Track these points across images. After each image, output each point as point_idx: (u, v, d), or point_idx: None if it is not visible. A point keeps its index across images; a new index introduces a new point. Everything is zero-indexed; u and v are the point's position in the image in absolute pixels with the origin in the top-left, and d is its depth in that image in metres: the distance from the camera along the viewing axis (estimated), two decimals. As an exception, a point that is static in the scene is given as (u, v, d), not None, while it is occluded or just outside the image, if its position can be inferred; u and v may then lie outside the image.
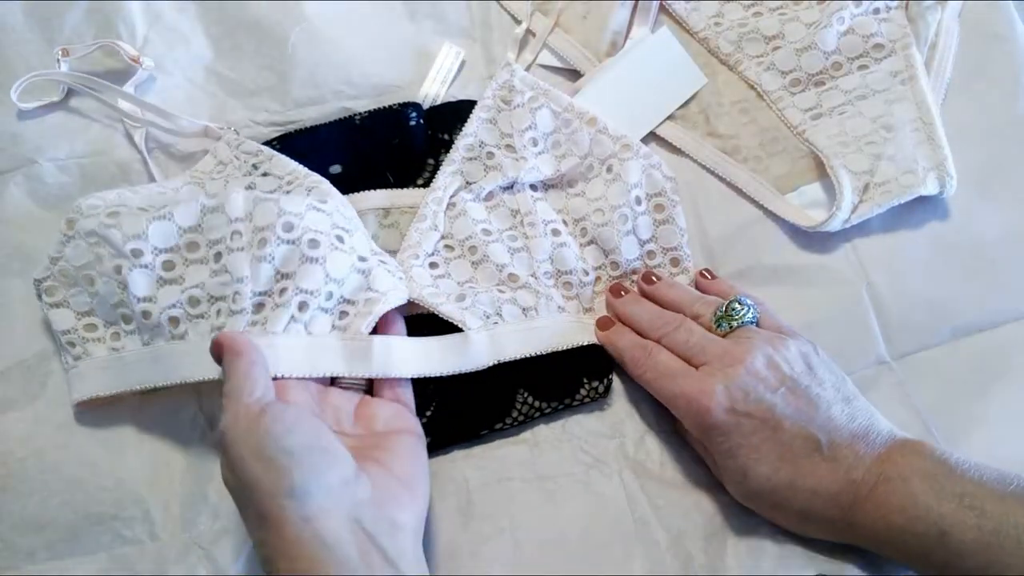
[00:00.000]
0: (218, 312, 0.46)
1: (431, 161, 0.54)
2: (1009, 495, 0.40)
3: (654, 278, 0.51)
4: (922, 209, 0.53)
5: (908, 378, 0.50)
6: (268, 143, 0.54)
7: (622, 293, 0.51)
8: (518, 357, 0.48)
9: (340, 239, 0.47)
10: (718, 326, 0.47)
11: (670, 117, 0.57)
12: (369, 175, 0.53)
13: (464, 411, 0.49)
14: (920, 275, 0.52)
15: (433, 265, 0.51)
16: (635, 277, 0.52)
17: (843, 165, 0.52)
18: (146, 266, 0.47)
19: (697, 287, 0.52)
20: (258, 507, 0.38)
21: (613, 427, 0.50)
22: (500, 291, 0.50)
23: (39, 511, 0.48)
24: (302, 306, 0.45)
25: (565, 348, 0.49)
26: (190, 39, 0.59)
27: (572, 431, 0.50)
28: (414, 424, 0.46)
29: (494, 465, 0.49)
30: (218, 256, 0.46)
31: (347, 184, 0.52)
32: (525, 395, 0.49)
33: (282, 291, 0.45)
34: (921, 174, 0.51)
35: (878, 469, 0.42)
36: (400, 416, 0.46)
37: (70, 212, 0.48)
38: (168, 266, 0.47)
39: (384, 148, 0.54)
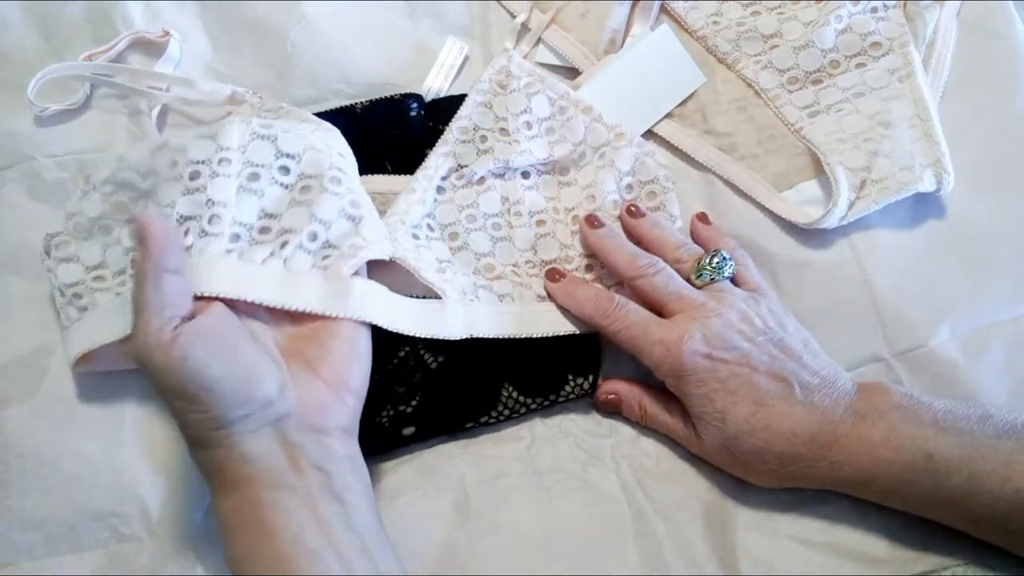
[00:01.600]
0: (187, 232, 0.43)
1: (430, 152, 0.54)
2: (972, 415, 0.44)
3: (637, 210, 0.52)
4: (919, 206, 0.53)
5: (907, 376, 0.50)
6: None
7: (597, 224, 0.51)
8: (491, 335, 0.48)
9: (336, 180, 0.46)
10: (698, 276, 0.48)
11: (667, 115, 0.57)
12: (368, 164, 0.53)
13: (449, 403, 0.49)
14: (918, 272, 0.52)
15: (415, 237, 0.51)
16: (616, 212, 0.52)
17: (840, 162, 0.52)
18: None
19: (691, 228, 0.53)
20: (187, 432, 0.41)
21: (609, 426, 0.50)
22: (475, 278, 0.50)
23: (37, 507, 0.48)
24: (284, 244, 0.44)
25: (540, 336, 0.49)
26: (189, 36, 0.59)
27: (568, 429, 0.50)
28: None
29: (491, 462, 0.49)
30: (195, 175, 0.44)
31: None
32: (510, 390, 0.49)
33: (263, 229, 0.45)
34: (918, 171, 0.51)
35: (853, 408, 0.44)
36: None
37: (89, 169, 0.48)
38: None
39: (384, 137, 0.54)
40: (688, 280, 0.49)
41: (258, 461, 0.40)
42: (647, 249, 0.50)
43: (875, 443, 0.43)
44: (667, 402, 0.48)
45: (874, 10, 0.55)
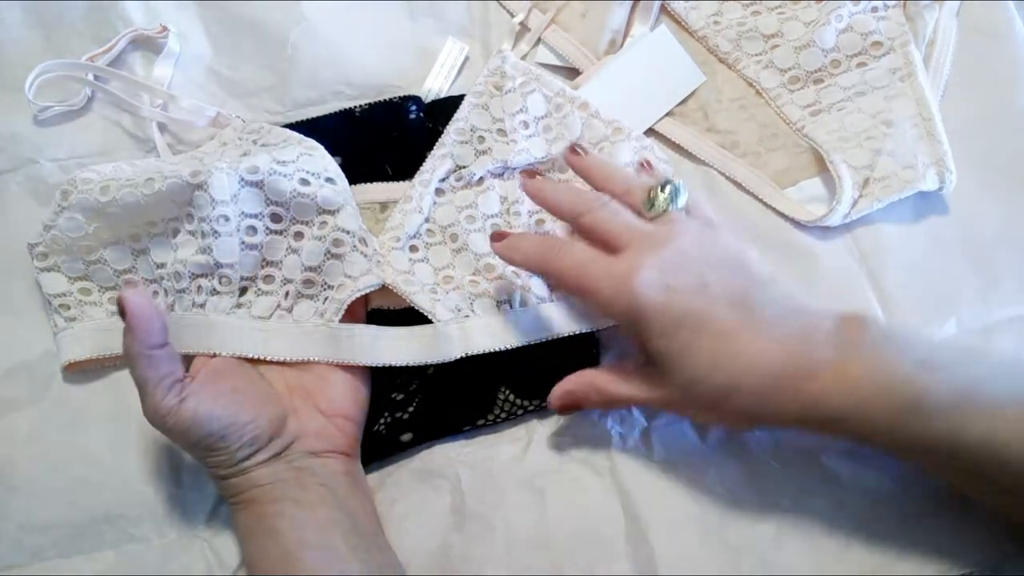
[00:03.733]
0: (199, 288, 0.47)
1: (429, 155, 0.54)
2: (961, 352, 0.41)
3: (581, 150, 0.48)
4: (921, 204, 0.53)
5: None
6: (267, 133, 0.54)
7: (534, 175, 0.49)
8: (487, 351, 0.48)
9: (323, 222, 0.48)
10: (650, 208, 0.44)
11: (668, 114, 0.57)
12: (368, 167, 0.53)
13: (446, 408, 0.50)
14: (922, 268, 0.52)
15: (413, 248, 0.51)
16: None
17: (843, 160, 0.52)
18: (162, 233, 0.48)
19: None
20: (208, 470, 0.45)
21: (606, 425, 0.50)
22: (474, 282, 0.50)
23: (46, 510, 0.48)
24: (287, 295, 0.48)
25: (539, 341, 0.49)
26: (189, 38, 0.59)
27: (565, 429, 0.50)
28: None
29: (487, 464, 0.49)
30: (203, 235, 0.46)
31: (346, 176, 0.52)
32: (507, 393, 0.49)
33: (267, 278, 0.48)
34: (921, 169, 0.52)
35: (832, 341, 0.40)
36: None
37: (65, 184, 0.47)
38: (175, 234, 0.48)
39: (383, 141, 0.54)
40: (639, 214, 0.45)
41: (266, 483, 0.44)
42: (595, 188, 0.47)
43: (858, 380, 0.39)
44: (620, 373, 0.45)
45: (874, 10, 0.55)
